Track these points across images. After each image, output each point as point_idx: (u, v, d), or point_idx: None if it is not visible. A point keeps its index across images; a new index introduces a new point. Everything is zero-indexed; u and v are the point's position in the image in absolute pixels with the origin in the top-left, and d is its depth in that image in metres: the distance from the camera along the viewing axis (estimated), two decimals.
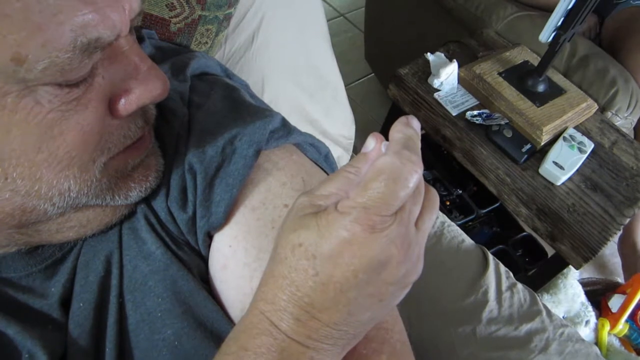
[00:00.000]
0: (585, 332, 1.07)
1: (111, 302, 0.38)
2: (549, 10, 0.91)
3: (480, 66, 1.02)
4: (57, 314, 0.38)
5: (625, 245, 1.35)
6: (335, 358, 0.32)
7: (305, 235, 0.29)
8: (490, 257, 0.76)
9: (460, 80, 1.04)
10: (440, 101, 1.01)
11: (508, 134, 0.94)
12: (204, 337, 0.37)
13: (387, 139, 0.31)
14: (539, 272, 1.15)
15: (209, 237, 0.41)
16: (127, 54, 0.33)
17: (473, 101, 1.02)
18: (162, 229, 0.40)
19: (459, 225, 0.86)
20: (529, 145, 0.93)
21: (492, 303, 0.70)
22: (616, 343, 1.11)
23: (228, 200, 0.40)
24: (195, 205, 0.40)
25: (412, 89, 1.04)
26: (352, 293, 0.29)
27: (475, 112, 0.98)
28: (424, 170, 1.23)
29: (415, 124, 0.31)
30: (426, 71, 1.04)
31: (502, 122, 0.96)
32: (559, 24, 0.87)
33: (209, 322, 0.38)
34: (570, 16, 0.85)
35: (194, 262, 0.41)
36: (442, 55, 1.04)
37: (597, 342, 1.09)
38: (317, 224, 0.29)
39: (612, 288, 1.20)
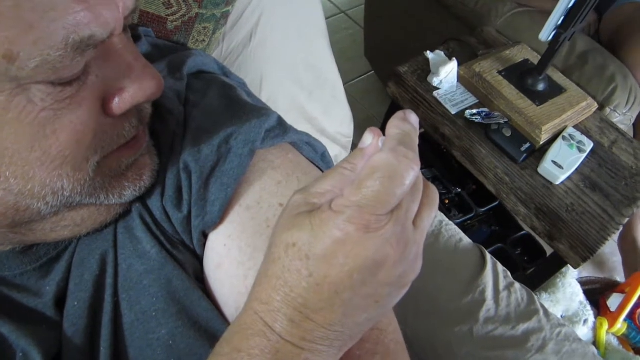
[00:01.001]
0: (584, 331, 1.07)
1: (106, 300, 0.38)
2: (542, 12, 0.91)
3: (480, 64, 1.01)
4: (52, 313, 0.37)
5: (625, 242, 1.35)
6: (332, 359, 0.31)
7: (298, 234, 0.28)
8: (488, 256, 0.76)
9: (460, 78, 1.03)
10: (440, 99, 1.00)
11: (507, 133, 0.94)
12: (199, 336, 0.37)
13: (385, 134, 0.30)
14: (537, 271, 1.15)
15: (204, 236, 0.41)
16: (121, 53, 0.33)
17: (472, 100, 1.02)
18: (157, 228, 0.40)
19: (457, 224, 0.85)
20: (528, 145, 0.93)
21: (489, 302, 0.70)
22: (614, 342, 1.11)
23: (223, 200, 0.39)
24: (190, 204, 0.40)
25: (412, 87, 1.03)
26: (346, 294, 0.28)
27: (475, 111, 0.98)
28: (423, 168, 1.24)
29: (413, 118, 0.30)
30: (426, 69, 1.04)
31: (502, 121, 0.95)
32: (560, 23, 0.86)
33: (204, 321, 0.38)
34: (571, 15, 0.85)
35: (189, 262, 0.41)
36: (442, 53, 1.04)
37: (596, 341, 1.09)
38: (310, 223, 0.28)
39: (611, 287, 1.20)
